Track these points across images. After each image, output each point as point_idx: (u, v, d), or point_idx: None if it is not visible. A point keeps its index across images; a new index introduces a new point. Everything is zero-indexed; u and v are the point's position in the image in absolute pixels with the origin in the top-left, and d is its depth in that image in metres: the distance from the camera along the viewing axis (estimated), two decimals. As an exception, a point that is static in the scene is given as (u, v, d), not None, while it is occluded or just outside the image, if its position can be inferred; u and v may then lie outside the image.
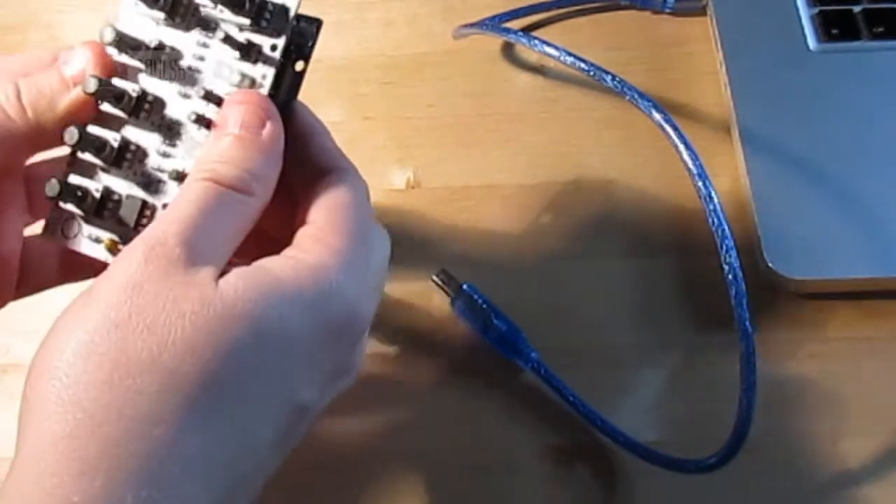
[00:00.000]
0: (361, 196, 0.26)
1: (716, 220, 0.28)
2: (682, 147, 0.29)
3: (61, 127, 0.25)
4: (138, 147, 0.26)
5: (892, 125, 0.38)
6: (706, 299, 0.36)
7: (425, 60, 0.44)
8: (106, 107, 0.26)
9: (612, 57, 0.42)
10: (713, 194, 0.28)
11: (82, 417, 0.20)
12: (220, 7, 0.25)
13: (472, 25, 0.42)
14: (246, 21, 0.25)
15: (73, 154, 0.27)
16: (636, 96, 0.31)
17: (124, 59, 0.26)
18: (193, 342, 0.21)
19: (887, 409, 0.34)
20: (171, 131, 0.26)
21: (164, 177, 0.26)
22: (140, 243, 0.22)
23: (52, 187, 0.26)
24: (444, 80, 0.43)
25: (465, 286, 0.36)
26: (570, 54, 0.33)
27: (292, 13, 0.25)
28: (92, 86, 0.25)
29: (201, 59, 0.26)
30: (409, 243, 0.39)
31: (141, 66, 0.26)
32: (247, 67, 0.26)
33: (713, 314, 0.36)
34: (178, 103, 0.26)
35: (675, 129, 0.29)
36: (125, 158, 0.26)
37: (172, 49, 0.26)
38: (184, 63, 0.26)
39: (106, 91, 0.25)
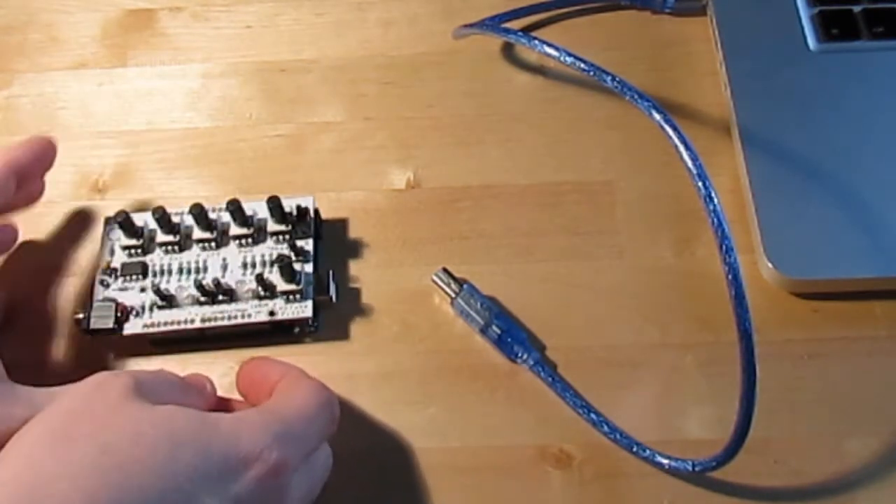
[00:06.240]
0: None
1: (716, 220, 0.27)
2: (682, 147, 0.28)
3: None
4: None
5: (891, 125, 0.39)
6: (706, 299, 0.36)
7: (425, 60, 0.44)
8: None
9: (612, 57, 0.42)
10: (713, 194, 0.28)
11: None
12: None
13: (472, 25, 0.42)
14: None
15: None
16: (636, 96, 0.31)
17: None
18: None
19: (887, 409, 0.34)
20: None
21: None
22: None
23: None
24: (444, 80, 0.43)
25: (465, 286, 0.36)
26: (570, 54, 0.33)
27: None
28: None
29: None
30: (409, 243, 0.39)
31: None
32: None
33: (713, 314, 0.36)
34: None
35: (675, 129, 0.29)
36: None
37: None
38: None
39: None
